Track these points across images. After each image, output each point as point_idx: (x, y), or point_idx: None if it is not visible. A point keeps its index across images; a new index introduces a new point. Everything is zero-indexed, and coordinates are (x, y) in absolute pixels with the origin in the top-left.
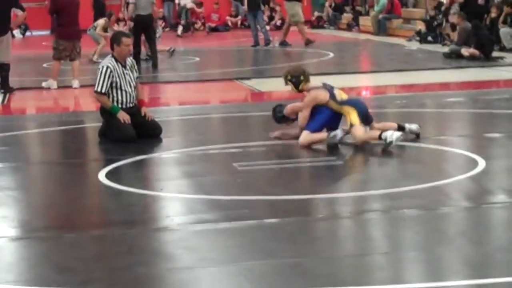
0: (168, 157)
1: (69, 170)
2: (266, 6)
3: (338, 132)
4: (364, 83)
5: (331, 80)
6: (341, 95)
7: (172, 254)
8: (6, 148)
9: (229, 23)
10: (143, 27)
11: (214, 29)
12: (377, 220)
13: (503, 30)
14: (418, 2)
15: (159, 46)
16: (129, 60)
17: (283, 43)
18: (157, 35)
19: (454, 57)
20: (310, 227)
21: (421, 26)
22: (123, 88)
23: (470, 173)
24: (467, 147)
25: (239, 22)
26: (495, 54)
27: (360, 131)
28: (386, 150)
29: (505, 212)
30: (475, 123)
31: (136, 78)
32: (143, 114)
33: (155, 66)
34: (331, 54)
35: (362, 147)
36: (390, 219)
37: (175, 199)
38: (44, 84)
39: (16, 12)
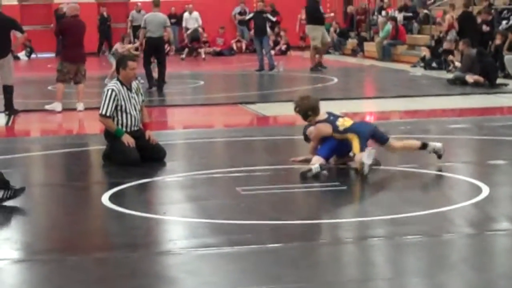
0: (171, 180)
1: (72, 193)
2: (271, 31)
3: (313, 168)
4: (368, 108)
5: (335, 105)
6: (344, 124)
7: (174, 278)
8: (10, 170)
9: (234, 47)
10: (154, 49)
11: (219, 53)
12: (380, 246)
13: (508, 57)
14: (423, 29)
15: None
16: (135, 84)
17: (318, 66)
18: None
19: (458, 83)
20: (313, 252)
21: (425, 52)
22: (128, 111)
23: (474, 200)
24: (471, 173)
25: (244, 47)
26: (499, 81)
27: (359, 158)
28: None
29: (508, 240)
30: (479, 149)
31: (141, 101)
32: (147, 138)
33: (160, 89)
34: (336, 79)
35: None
36: (393, 245)
37: (178, 222)
38: (47, 107)
39: (15, 34)
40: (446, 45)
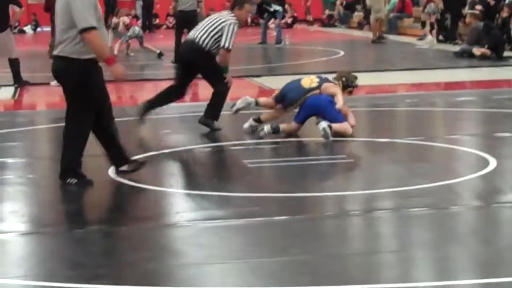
0: (178, 153)
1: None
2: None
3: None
4: (374, 81)
5: None
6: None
7: (181, 250)
8: (17, 143)
9: None
10: (185, 22)
11: None
12: (386, 218)
13: None
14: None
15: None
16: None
17: (380, 39)
18: (135, 33)
19: (465, 56)
20: (319, 225)
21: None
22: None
23: (481, 173)
24: (478, 146)
25: (249, 20)
26: (506, 53)
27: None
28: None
29: None
30: (486, 122)
31: None
32: None
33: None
34: (342, 53)
35: (373, 146)
36: (399, 217)
37: (184, 195)
38: (52, 83)
39: (14, 9)
40: (423, 17)
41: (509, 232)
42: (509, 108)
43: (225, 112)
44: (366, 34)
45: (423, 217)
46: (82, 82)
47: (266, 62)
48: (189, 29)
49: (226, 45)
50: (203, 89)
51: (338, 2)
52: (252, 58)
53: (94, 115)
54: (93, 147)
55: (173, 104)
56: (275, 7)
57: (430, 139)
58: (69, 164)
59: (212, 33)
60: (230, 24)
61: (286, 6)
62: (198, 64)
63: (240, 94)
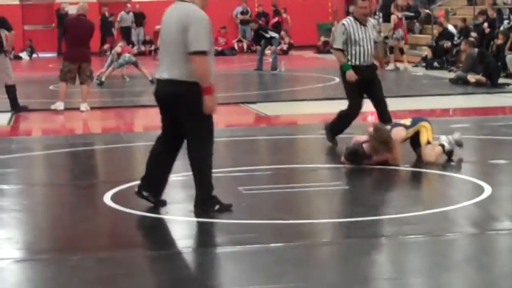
0: (173, 180)
1: (74, 192)
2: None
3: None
4: (369, 108)
5: (336, 105)
6: (405, 121)
7: (176, 277)
8: (12, 169)
9: (236, 47)
10: None
11: (220, 53)
12: (382, 245)
13: (510, 57)
14: (425, 28)
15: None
16: (372, 21)
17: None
18: (125, 60)
19: (460, 83)
20: (315, 252)
21: (427, 52)
22: (360, 43)
23: (476, 200)
24: (473, 173)
25: (245, 46)
26: (501, 80)
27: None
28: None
29: (510, 239)
30: (481, 149)
31: (376, 38)
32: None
33: None
34: (337, 79)
35: (368, 172)
36: (395, 244)
37: (180, 222)
38: (52, 106)
39: (4, 33)
40: (391, 43)
41: (505, 259)
42: (504, 135)
43: (221, 139)
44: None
45: (419, 244)
46: (200, 103)
47: (262, 89)
48: None
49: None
50: None
51: (333, 29)
52: (248, 84)
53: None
54: (87, 175)
55: None
56: (272, 33)
57: (425, 166)
58: (209, 193)
59: None
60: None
61: (282, 32)
62: None
63: (237, 120)
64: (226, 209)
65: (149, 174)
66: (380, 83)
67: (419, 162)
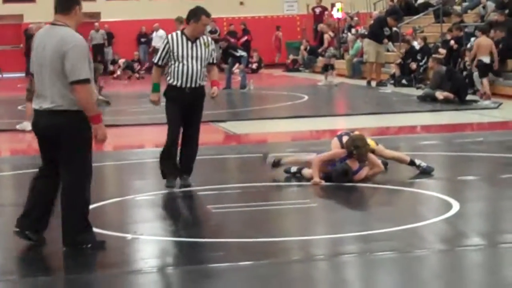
0: (142, 199)
1: None
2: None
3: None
4: (338, 126)
5: (305, 123)
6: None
7: None
8: None
9: None
10: None
11: None
12: (351, 262)
13: (477, 74)
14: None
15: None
16: (205, 38)
17: (379, 84)
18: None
19: (428, 100)
20: (284, 270)
21: (395, 70)
22: (185, 62)
23: (445, 216)
24: (441, 189)
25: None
26: (469, 97)
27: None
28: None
29: (479, 255)
30: (449, 166)
31: (210, 58)
32: (212, 93)
33: None
34: (306, 97)
35: (336, 190)
36: (364, 262)
37: (149, 241)
38: (18, 127)
39: None
40: (325, 61)
41: (473, 275)
42: (472, 151)
43: None
44: (330, 79)
45: (388, 261)
46: (83, 135)
47: (231, 107)
48: None
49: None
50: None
51: (302, 47)
52: (216, 103)
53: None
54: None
55: (137, 150)
56: (240, 52)
57: (394, 183)
58: (78, 233)
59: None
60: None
61: (252, 51)
62: None
63: (206, 139)
64: (99, 247)
65: (29, 211)
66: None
67: (388, 179)
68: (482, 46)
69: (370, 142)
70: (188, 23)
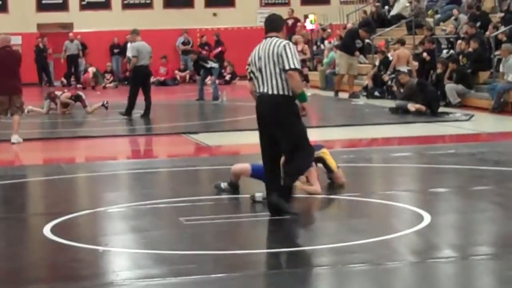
0: (114, 211)
1: (13, 225)
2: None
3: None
4: (311, 137)
5: None
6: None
7: None
8: None
9: (178, 77)
10: (145, 77)
11: (162, 83)
12: (323, 275)
13: (449, 86)
14: (366, 58)
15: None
16: None
17: (352, 96)
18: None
19: (400, 112)
20: (256, 282)
21: (368, 81)
22: None
23: (416, 228)
24: (412, 201)
25: (187, 77)
26: (441, 109)
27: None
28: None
29: (450, 267)
30: (420, 178)
31: None
32: None
33: (147, 115)
34: None
35: (309, 202)
36: (336, 274)
37: (121, 254)
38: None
39: None
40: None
41: (445, 287)
42: (443, 163)
43: (162, 170)
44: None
45: (360, 273)
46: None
47: (203, 119)
48: (145, 84)
49: (289, 66)
50: (139, 146)
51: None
52: (189, 114)
53: None
54: (25, 207)
55: (109, 162)
56: (212, 63)
57: (366, 195)
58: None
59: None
60: (286, 45)
61: (226, 62)
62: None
63: (178, 151)
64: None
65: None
66: None
67: (360, 191)
68: (401, 57)
69: (331, 162)
70: None
